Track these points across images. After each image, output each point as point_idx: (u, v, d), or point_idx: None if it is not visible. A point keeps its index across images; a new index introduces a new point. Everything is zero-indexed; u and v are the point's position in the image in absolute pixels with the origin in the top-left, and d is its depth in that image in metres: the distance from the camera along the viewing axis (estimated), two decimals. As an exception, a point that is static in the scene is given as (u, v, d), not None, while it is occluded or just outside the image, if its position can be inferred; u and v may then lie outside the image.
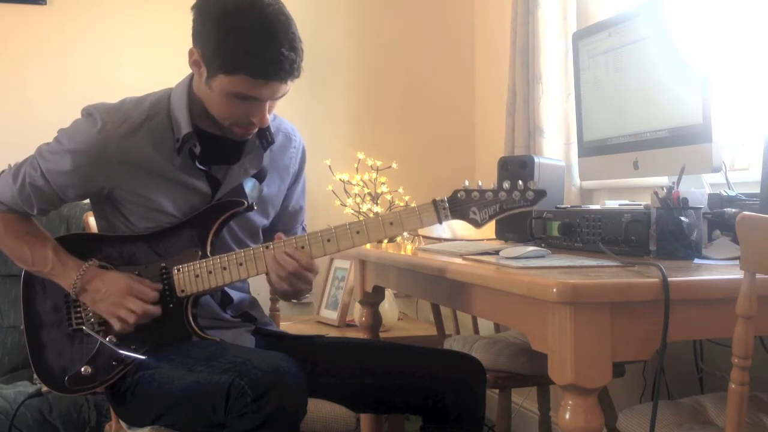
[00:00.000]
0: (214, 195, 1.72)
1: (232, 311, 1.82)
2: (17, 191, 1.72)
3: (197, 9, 1.58)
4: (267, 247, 1.65)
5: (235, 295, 1.82)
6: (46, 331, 1.73)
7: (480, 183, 1.64)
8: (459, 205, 1.62)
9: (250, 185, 1.74)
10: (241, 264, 1.66)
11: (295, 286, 1.64)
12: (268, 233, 1.87)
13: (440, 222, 1.63)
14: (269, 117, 1.80)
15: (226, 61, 1.54)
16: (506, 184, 1.61)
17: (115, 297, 1.64)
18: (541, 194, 1.61)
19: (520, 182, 1.62)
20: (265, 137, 1.75)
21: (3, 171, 1.78)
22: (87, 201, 1.80)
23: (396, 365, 1.75)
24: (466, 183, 1.64)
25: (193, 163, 1.68)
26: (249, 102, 1.59)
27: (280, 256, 1.61)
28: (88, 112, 1.68)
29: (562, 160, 2.48)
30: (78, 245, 1.73)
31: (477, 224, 1.63)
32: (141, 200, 1.69)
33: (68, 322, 1.71)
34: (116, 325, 1.66)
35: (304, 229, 1.98)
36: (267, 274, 1.66)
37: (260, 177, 1.77)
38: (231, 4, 1.54)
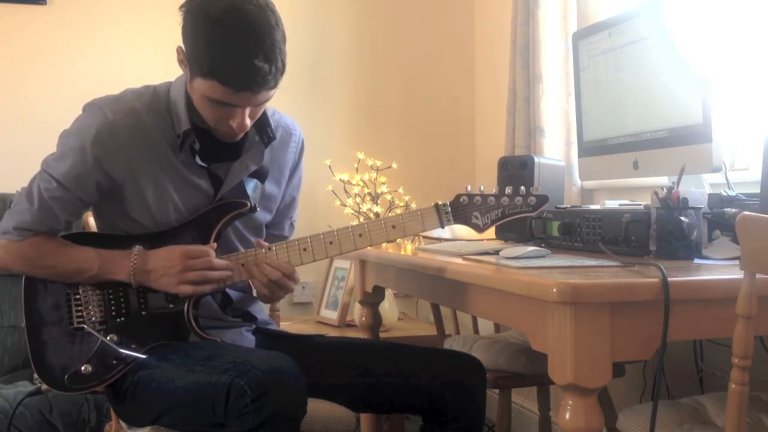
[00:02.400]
0: (216, 193, 1.72)
1: (232, 311, 1.81)
2: (37, 210, 1.67)
3: (185, 8, 1.58)
4: (269, 249, 1.66)
5: (235, 295, 1.82)
6: (47, 329, 1.72)
7: (482, 188, 1.65)
8: (461, 210, 1.63)
9: (252, 186, 1.74)
10: (242, 265, 1.66)
11: (274, 293, 1.67)
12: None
13: (442, 226, 1.64)
14: (271, 117, 1.80)
15: (202, 66, 1.54)
16: (508, 190, 1.62)
17: (176, 264, 1.62)
18: (543, 200, 1.62)
19: (523, 188, 1.63)
20: (266, 133, 1.74)
21: (11, 201, 1.73)
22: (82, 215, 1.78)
23: (396, 365, 1.75)
24: (469, 188, 1.65)
25: (194, 160, 1.68)
26: (226, 107, 1.58)
27: (263, 266, 1.63)
28: (92, 104, 1.67)
29: (562, 160, 2.48)
30: (81, 244, 1.72)
31: (479, 229, 1.64)
32: (147, 196, 1.68)
33: (69, 320, 1.71)
34: (189, 291, 1.63)
35: (292, 225, 1.97)
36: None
37: (262, 176, 1.77)
38: (214, 9, 1.52)
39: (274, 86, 1.57)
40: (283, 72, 1.57)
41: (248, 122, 1.62)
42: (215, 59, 1.52)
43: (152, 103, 1.68)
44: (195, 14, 1.55)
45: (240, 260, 1.66)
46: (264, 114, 1.72)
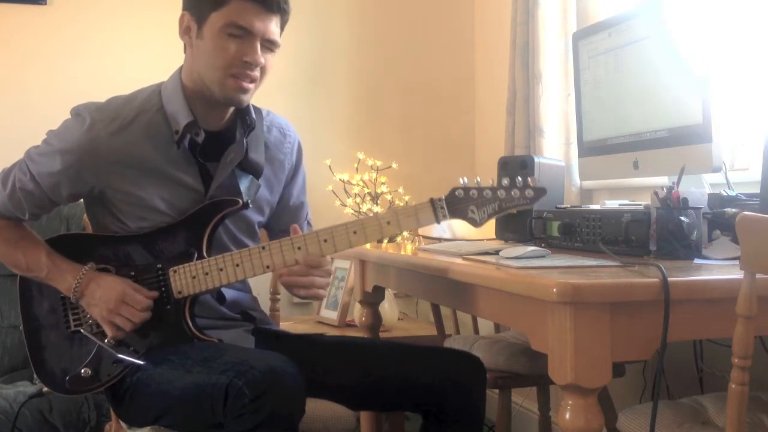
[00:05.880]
0: (207, 190, 1.71)
1: (230, 308, 1.81)
2: (7, 197, 1.71)
3: None
4: (263, 248, 1.64)
5: (233, 293, 1.82)
6: (45, 333, 1.72)
7: (478, 180, 1.62)
8: (457, 204, 1.59)
9: (246, 183, 1.73)
10: (237, 265, 1.64)
11: (311, 291, 1.64)
12: (272, 232, 1.87)
13: (438, 222, 1.60)
14: (265, 117, 1.81)
15: None
16: (505, 182, 1.60)
17: (111, 303, 1.63)
18: (540, 192, 1.58)
19: (519, 179, 1.60)
20: (245, 121, 1.74)
21: None
22: (52, 211, 1.78)
23: (396, 363, 1.75)
24: (464, 180, 1.61)
25: (187, 158, 1.68)
26: (241, 40, 1.61)
27: (294, 268, 1.61)
28: (77, 112, 1.68)
29: (562, 160, 2.48)
30: (73, 246, 1.73)
31: (476, 223, 1.60)
32: (133, 199, 1.68)
33: (66, 324, 1.71)
34: (110, 332, 1.65)
35: (309, 223, 1.97)
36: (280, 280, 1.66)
37: (257, 172, 1.76)
38: None
39: (286, 11, 1.65)
40: (288, 14, 1.67)
41: (261, 60, 1.64)
42: None
43: (142, 107, 1.68)
44: None
45: (234, 260, 1.66)
46: (247, 107, 1.73)
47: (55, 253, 1.71)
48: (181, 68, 1.71)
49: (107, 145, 1.64)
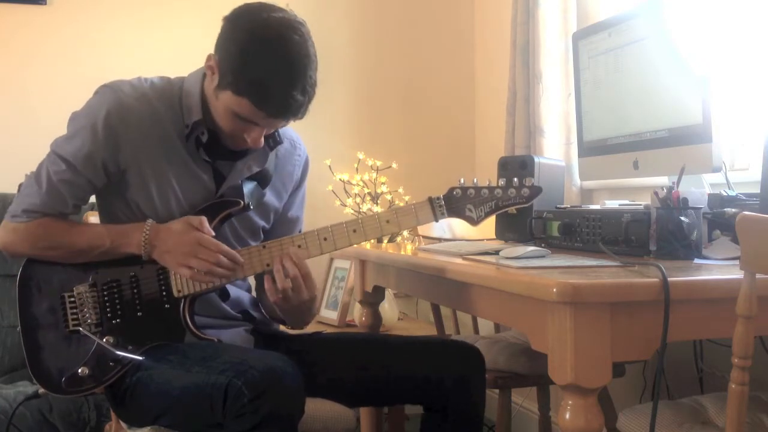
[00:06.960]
0: (217, 189, 1.72)
1: (232, 306, 1.81)
2: (45, 193, 1.67)
3: (229, 20, 1.59)
4: (264, 247, 1.66)
5: (235, 291, 1.82)
6: (43, 333, 1.71)
7: (475, 180, 1.66)
8: (455, 203, 1.64)
9: (249, 187, 1.74)
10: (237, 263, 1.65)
11: (292, 299, 1.63)
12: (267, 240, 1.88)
13: (436, 220, 1.65)
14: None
15: (237, 83, 1.55)
16: (502, 182, 1.64)
17: (187, 247, 1.61)
18: (536, 191, 1.64)
19: (516, 179, 1.64)
20: (273, 137, 1.74)
21: (20, 184, 1.73)
22: (89, 200, 1.78)
23: (395, 357, 1.76)
24: (462, 181, 1.66)
25: (198, 154, 1.68)
26: (248, 124, 1.61)
27: (285, 262, 1.61)
28: (105, 86, 1.68)
29: (562, 160, 2.48)
30: None
31: (473, 222, 1.65)
32: (152, 180, 1.67)
33: (64, 323, 1.70)
34: (187, 275, 1.63)
35: None
36: (266, 294, 1.65)
37: (264, 181, 1.77)
38: (260, 29, 1.54)
39: (302, 117, 1.60)
40: (311, 102, 1.61)
41: (262, 144, 1.65)
42: (255, 82, 1.53)
43: (164, 92, 1.69)
44: (241, 31, 1.56)
45: None
46: None
47: (110, 224, 1.71)
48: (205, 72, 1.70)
49: (138, 115, 1.64)
